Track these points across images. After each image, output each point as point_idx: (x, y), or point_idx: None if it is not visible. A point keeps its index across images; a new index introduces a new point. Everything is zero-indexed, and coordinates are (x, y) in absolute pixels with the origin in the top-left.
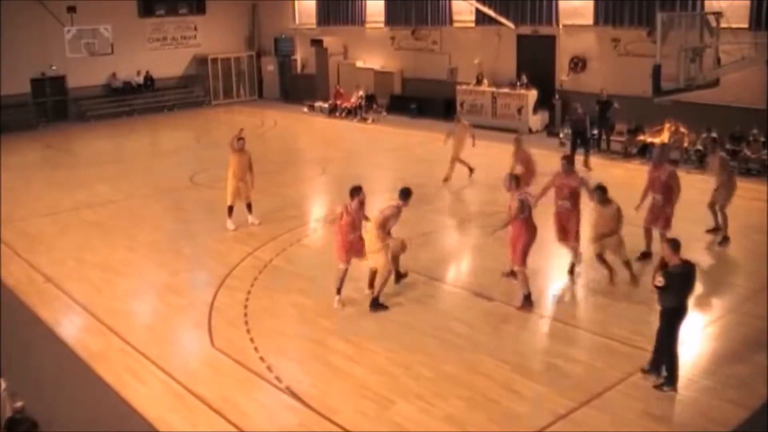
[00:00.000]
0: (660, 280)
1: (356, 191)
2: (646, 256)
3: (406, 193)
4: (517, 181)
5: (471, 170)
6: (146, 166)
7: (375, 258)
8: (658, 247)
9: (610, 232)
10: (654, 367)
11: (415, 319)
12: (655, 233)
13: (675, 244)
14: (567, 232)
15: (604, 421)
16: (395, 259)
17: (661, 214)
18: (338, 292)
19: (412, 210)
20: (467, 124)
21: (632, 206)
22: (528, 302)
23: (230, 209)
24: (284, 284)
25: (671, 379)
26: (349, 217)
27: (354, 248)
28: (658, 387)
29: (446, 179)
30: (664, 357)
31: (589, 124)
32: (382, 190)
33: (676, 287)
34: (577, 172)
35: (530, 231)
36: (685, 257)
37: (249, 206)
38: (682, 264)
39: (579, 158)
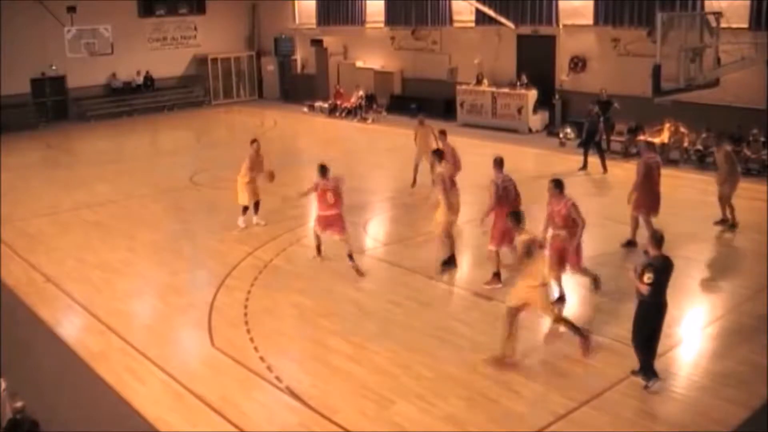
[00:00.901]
0: (650, 277)
1: (324, 170)
2: (631, 244)
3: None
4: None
5: (414, 182)
6: (146, 166)
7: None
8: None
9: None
10: (647, 372)
11: (415, 319)
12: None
13: (658, 238)
14: (565, 262)
15: (604, 421)
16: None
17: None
18: (318, 251)
19: (412, 210)
20: (431, 126)
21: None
22: (496, 279)
23: (245, 209)
24: (284, 284)
25: (649, 372)
26: (332, 194)
27: (330, 223)
28: (646, 387)
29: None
30: (642, 350)
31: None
32: (382, 190)
33: (659, 281)
34: (566, 196)
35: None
36: (662, 251)
37: (257, 205)
38: (663, 257)
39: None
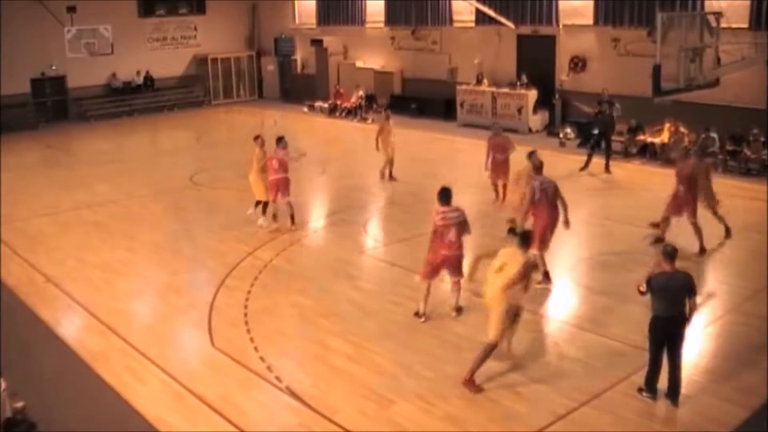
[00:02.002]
0: (643, 285)
1: (280, 140)
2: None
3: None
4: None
5: (383, 175)
6: (146, 166)
7: None
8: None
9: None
10: (648, 386)
11: (415, 319)
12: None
13: (668, 252)
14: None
15: (604, 421)
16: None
17: (685, 203)
18: (273, 218)
19: (411, 210)
20: (391, 122)
21: (631, 206)
22: (547, 278)
23: (264, 204)
24: (284, 284)
25: (648, 386)
26: (277, 161)
27: (281, 186)
28: (640, 391)
29: (393, 178)
30: (656, 372)
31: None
32: (381, 190)
33: (657, 296)
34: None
35: (542, 216)
36: (676, 267)
37: (266, 205)
38: (668, 273)
39: (579, 160)
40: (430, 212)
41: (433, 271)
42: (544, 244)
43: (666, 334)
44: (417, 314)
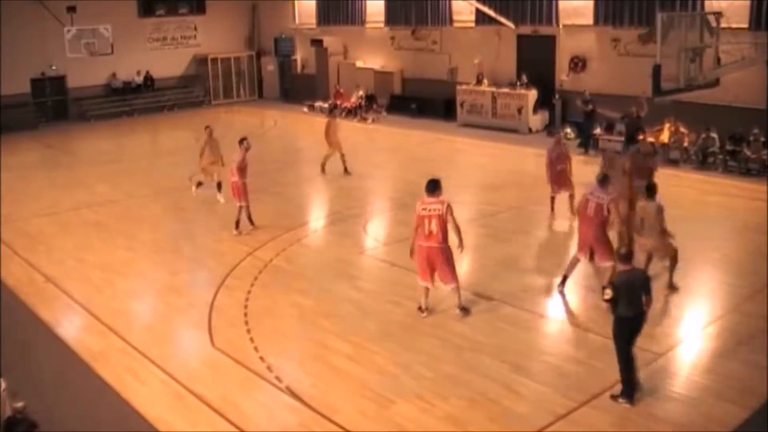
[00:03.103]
0: (608, 293)
1: (242, 141)
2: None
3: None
4: None
5: (323, 169)
6: (146, 166)
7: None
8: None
9: None
10: (625, 392)
11: (415, 319)
12: None
13: (622, 255)
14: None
15: (604, 421)
16: None
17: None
18: (237, 226)
19: (412, 210)
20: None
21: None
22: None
23: (200, 183)
24: (284, 284)
25: (625, 390)
26: (235, 164)
27: (234, 191)
28: (613, 397)
29: (347, 173)
30: (631, 376)
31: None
32: (381, 190)
33: (621, 296)
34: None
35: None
36: (633, 266)
37: (219, 185)
38: (628, 272)
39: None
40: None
41: (425, 270)
42: (583, 250)
43: (633, 333)
44: (420, 309)
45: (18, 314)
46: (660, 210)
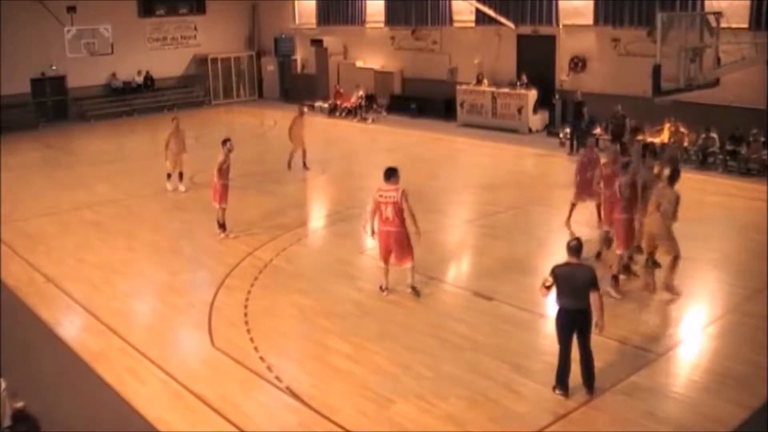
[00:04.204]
0: (548, 279)
1: (225, 142)
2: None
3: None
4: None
5: (290, 165)
6: (146, 166)
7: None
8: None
9: None
10: (559, 382)
11: (415, 319)
12: None
13: (572, 247)
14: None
15: (604, 421)
16: None
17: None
18: (219, 226)
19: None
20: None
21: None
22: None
23: (169, 176)
24: (284, 284)
25: (559, 382)
26: (224, 165)
27: (214, 191)
28: (554, 388)
29: (306, 167)
30: (566, 366)
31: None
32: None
33: (562, 287)
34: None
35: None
36: (577, 260)
37: (181, 175)
38: (573, 265)
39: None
40: (430, 212)
41: (384, 252)
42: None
43: (574, 326)
44: (381, 288)
45: (18, 314)
46: (677, 199)
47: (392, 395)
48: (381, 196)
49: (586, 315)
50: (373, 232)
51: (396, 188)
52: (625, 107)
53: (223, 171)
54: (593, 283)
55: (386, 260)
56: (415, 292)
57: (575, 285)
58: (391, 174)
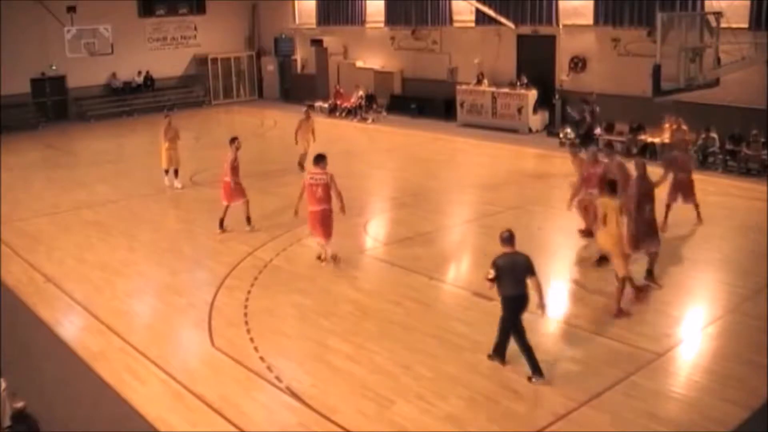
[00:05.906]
0: (491, 272)
1: (233, 140)
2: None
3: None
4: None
5: (302, 167)
6: (146, 166)
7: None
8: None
9: None
10: (496, 353)
11: (415, 319)
12: None
13: (505, 238)
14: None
15: (604, 421)
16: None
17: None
18: (221, 224)
19: (412, 210)
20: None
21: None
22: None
23: (166, 171)
24: (284, 284)
25: (533, 369)
26: (234, 163)
27: (235, 192)
28: (529, 378)
29: (302, 168)
30: (505, 343)
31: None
32: (382, 190)
33: (505, 276)
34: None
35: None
36: (512, 249)
37: (176, 172)
38: (509, 254)
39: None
40: (430, 212)
41: (314, 229)
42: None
43: (520, 311)
44: (318, 258)
45: (18, 314)
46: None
47: (392, 395)
48: (312, 178)
49: (525, 300)
50: (296, 212)
51: (325, 172)
52: (625, 107)
53: (235, 169)
54: (531, 269)
55: (318, 235)
56: (336, 259)
57: (516, 273)
58: (320, 159)
